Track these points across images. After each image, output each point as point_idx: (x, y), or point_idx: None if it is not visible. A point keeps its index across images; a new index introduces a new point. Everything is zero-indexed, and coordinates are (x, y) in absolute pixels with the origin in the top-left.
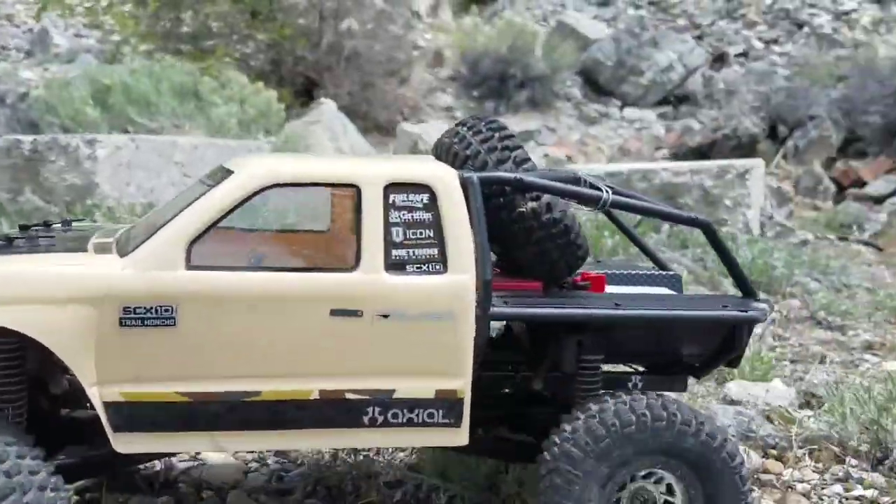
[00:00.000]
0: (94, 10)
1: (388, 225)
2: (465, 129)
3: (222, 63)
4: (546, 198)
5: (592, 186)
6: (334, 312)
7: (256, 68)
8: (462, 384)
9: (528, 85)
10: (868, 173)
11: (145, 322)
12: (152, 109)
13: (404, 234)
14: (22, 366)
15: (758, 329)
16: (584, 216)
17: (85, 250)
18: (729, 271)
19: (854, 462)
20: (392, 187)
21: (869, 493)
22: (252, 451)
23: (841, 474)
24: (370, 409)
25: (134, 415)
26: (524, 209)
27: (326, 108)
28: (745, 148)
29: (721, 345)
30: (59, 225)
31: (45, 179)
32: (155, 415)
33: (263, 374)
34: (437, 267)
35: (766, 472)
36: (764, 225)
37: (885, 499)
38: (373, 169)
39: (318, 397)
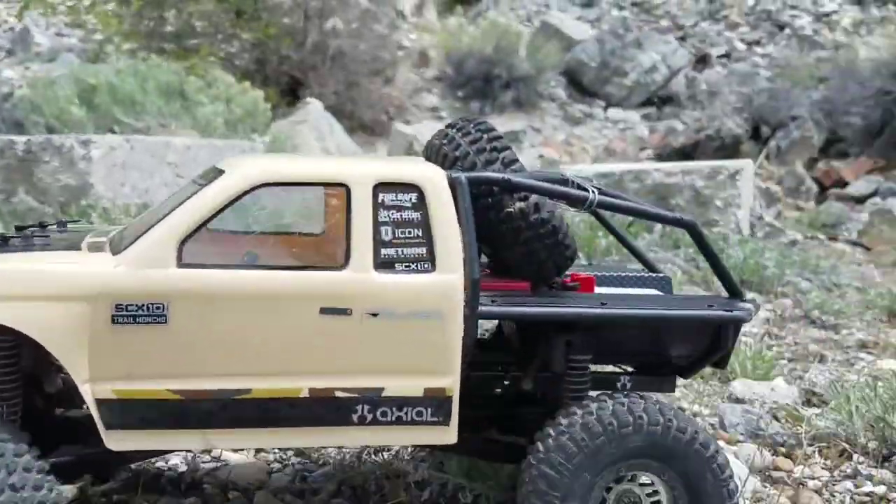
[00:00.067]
0: (76, 9)
1: (377, 224)
2: (454, 130)
3: (206, 62)
4: (534, 198)
5: (580, 187)
6: (324, 311)
7: (241, 68)
8: (450, 382)
9: (512, 85)
10: (849, 173)
11: (137, 319)
12: (138, 109)
13: (393, 233)
14: (17, 364)
15: (756, 329)
16: (577, 217)
17: (79, 249)
18: (714, 271)
19: (861, 459)
20: (381, 187)
21: (878, 489)
22: (274, 451)
23: (849, 471)
24: (359, 408)
25: (126, 412)
26: (512, 209)
27: (313, 107)
28: (729, 149)
29: (708, 345)
30: (55, 226)
31: (39, 180)
32: (147, 412)
33: (254, 372)
34: (426, 266)
35: (776, 469)
36: (754, 225)
37: (895, 494)
38: (362, 169)
39: (307, 395)
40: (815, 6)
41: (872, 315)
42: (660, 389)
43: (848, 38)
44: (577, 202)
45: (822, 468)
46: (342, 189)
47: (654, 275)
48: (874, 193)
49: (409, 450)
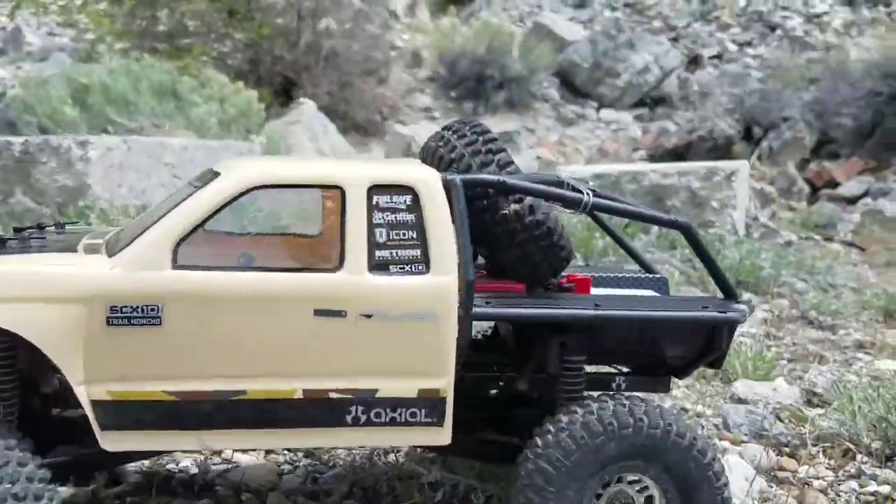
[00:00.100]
0: (68, 9)
1: (371, 226)
2: (450, 132)
3: (199, 62)
4: (529, 200)
5: (574, 189)
6: (318, 312)
7: (234, 67)
8: (445, 384)
9: (505, 86)
10: (841, 174)
11: (132, 321)
12: (131, 109)
13: (388, 235)
14: (13, 364)
15: (754, 329)
16: (574, 218)
17: (75, 251)
18: (709, 273)
19: (864, 459)
20: (376, 189)
21: (883, 489)
22: (284, 452)
23: (853, 471)
24: (353, 409)
25: (121, 413)
26: (507, 211)
27: (306, 107)
28: (721, 149)
29: (703, 346)
30: (53, 227)
31: (37, 181)
32: (142, 413)
33: (248, 374)
34: (420, 268)
35: (781, 469)
36: (749, 226)
37: None
38: (357, 171)
39: (302, 397)
40: (806, 7)
41: (868, 315)
42: (654, 390)
43: (839, 39)
44: (571, 204)
45: (826, 468)
46: (337, 191)
47: (650, 276)
48: (865, 194)
49: (419, 450)
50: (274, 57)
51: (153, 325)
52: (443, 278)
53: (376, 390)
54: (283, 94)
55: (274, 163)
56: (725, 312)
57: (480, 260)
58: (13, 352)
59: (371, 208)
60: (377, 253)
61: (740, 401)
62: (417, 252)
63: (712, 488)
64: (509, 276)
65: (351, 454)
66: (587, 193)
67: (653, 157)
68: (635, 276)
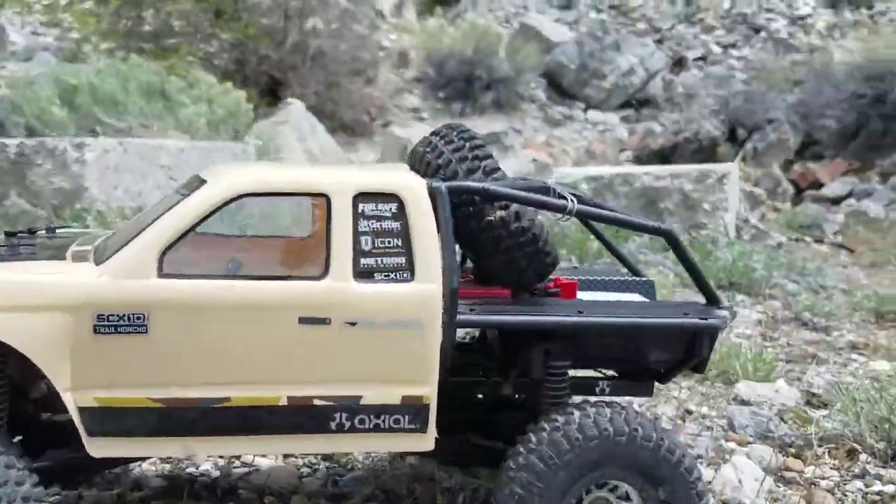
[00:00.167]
0: (53, 8)
1: (356, 234)
2: (437, 138)
3: (185, 62)
4: (514, 207)
5: (560, 196)
6: (303, 320)
7: (220, 67)
8: (428, 391)
9: (493, 87)
10: (825, 175)
11: (118, 329)
12: (120, 109)
13: (373, 242)
14: (2, 371)
15: (749, 331)
16: (569, 221)
17: (64, 258)
18: (692, 278)
19: (867, 459)
20: (361, 197)
21: (888, 488)
22: (303, 455)
23: (857, 471)
24: (337, 415)
25: (107, 420)
26: (493, 218)
27: (294, 108)
28: (706, 151)
29: (685, 351)
30: (44, 232)
31: (32, 183)
32: (128, 420)
33: (233, 381)
34: (405, 275)
35: (788, 469)
36: (740, 228)
37: None
38: (342, 179)
39: (286, 404)
40: (790, 10)
41: (860, 317)
42: (638, 394)
43: (822, 41)
44: (556, 210)
45: (831, 469)
46: (322, 199)
47: (637, 279)
48: (849, 195)
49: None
50: (260, 57)
51: (139, 333)
52: (427, 286)
53: (360, 397)
54: (270, 93)
55: (260, 170)
56: (706, 319)
57: (469, 264)
58: (2, 358)
59: (356, 216)
60: (362, 261)
61: (743, 402)
62: (402, 260)
63: (686, 485)
64: (495, 281)
65: (370, 457)
66: (572, 200)
67: (639, 158)
68: (623, 279)
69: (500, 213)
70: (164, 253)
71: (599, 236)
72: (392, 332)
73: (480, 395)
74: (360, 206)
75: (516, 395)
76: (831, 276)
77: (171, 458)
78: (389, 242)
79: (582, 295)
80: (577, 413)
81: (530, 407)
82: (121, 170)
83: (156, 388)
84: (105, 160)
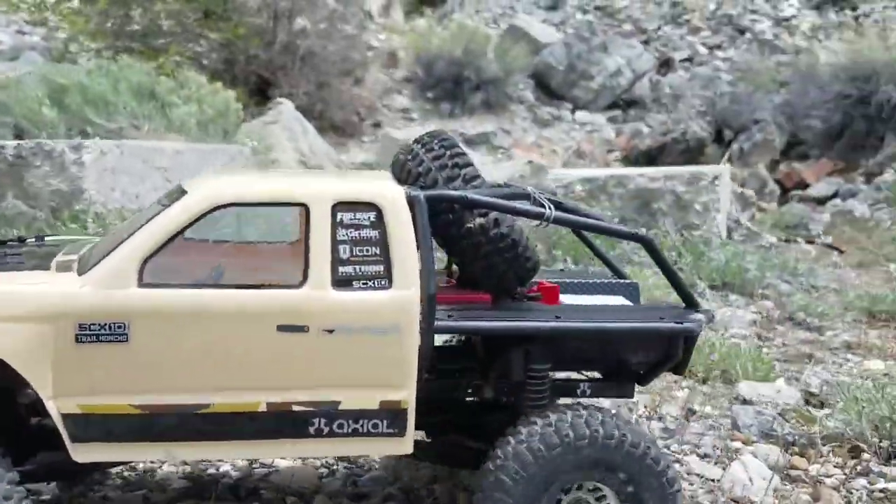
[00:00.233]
0: (40, 7)
1: (335, 242)
2: (418, 146)
3: (173, 62)
4: (494, 214)
5: (538, 202)
6: (281, 328)
7: (209, 67)
8: (406, 395)
9: (482, 87)
10: (811, 175)
11: (100, 338)
12: (111, 109)
13: (351, 251)
14: None
15: (745, 331)
16: None
17: (48, 268)
18: (670, 282)
19: (867, 457)
20: (340, 206)
21: (892, 485)
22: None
23: (861, 469)
24: (316, 421)
25: (90, 426)
26: (472, 225)
27: (285, 108)
28: (694, 151)
29: (663, 354)
30: (33, 240)
31: (30, 185)
32: (110, 426)
33: (213, 388)
34: (383, 283)
35: (793, 468)
36: (731, 229)
37: None
38: (321, 188)
39: (265, 409)
40: (775, 11)
41: (852, 316)
42: (619, 395)
43: (807, 42)
44: (533, 218)
45: (835, 467)
46: (302, 209)
47: (621, 282)
48: (835, 195)
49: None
50: (249, 57)
51: (120, 341)
52: (405, 293)
53: (339, 402)
54: (259, 93)
55: (239, 181)
56: (682, 323)
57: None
58: None
59: (335, 225)
60: (340, 269)
61: (745, 402)
62: (380, 268)
63: (666, 494)
64: (477, 286)
65: (388, 457)
66: (550, 207)
67: (627, 159)
68: (606, 282)
69: (479, 220)
70: (144, 263)
71: (585, 240)
72: (370, 338)
73: (468, 398)
74: (339, 216)
75: (503, 398)
76: (823, 276)
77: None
78: (368, 251)
79: (565, 298)
80: (540, 421)
81: (516, 409)
82: (118, 172)
83: (137, 394)
84: (103, 162)
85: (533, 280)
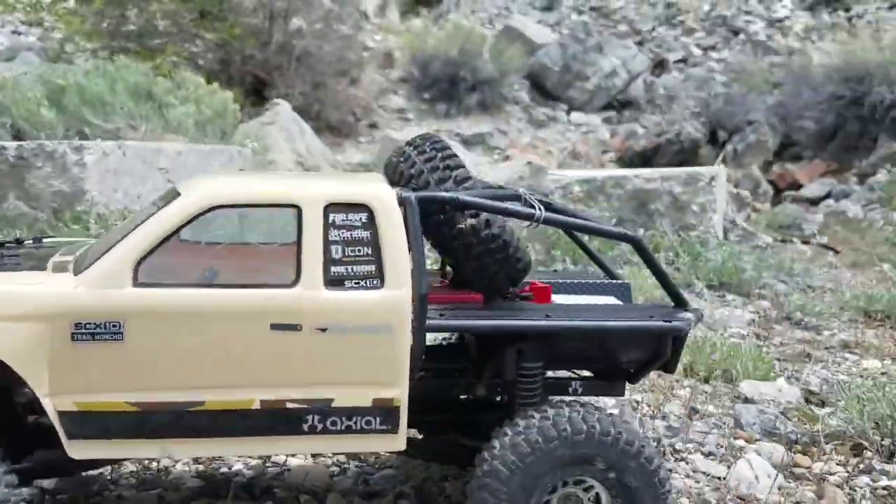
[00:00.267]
0: (36, 7)
1: (327, 243)
2: (411, 148)
3: (170, 62)
4: (485, 215)
5: (528, 204)
6: (274, 327)
7: (205, 67)
8: (398, 393)
9: (478, 88)
10: (804, 176)
11: (95, 337)
12: (108, 110)
13: (343, 251)
14: None
15: (743, 331)
16: None
17: (45, 269)
18: (659, 282)
19: (870, 455)
20: (332, 207)
21: (895, 483)
22: (333, 455)
23: (863, 467)
24: (310, 418)
25: (86, 423)
26: (463, 226)
27: (282, 108)
28: (688, 152)
29: (652, 352)
30: (31, 242)
31: (32, 186)
32: (106, 423)
33: (207, 385)
34: (375, 282)
35: (797, 465)
36: (727, 229)
37: None
38: (313, 190)
39: (259, 407)
40: (769, 12)
41: (848, 316)
42: (610, 394)
43: (801, 43)
44: (523, 219)
45: (837, 465)
46: (294, 210)
47: (613, 282)
48: (828, 196)
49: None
50: (244, 57)
51: (115, 340)
52: (397, 292)
53: (332, 400)
54: (255, 93)
55: (233, 182)
56: (670, 321)
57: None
58: None
59: (327, 226)
60: (333, 269)
61: (746, 400)
62: (372, 267)
63: (657, 493)
64: (470, 286)
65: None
66: (540, 208)
67: (622, 160)
68: (598, 282)
69: (470, 220)
70: (138, 263)
71: (577, 240)
72: (362, 336)
73: (463, 396)
74: (331, 216)
75: (496, 396)
76: (818, 276)
77: (204, 458)
78: (359, 251)
79: (556, 299)
80: (537, 415)
81: (507, 407)
82: (120, 173)
83: (133, 392)
84: (105, 163)
85: (525, 280)
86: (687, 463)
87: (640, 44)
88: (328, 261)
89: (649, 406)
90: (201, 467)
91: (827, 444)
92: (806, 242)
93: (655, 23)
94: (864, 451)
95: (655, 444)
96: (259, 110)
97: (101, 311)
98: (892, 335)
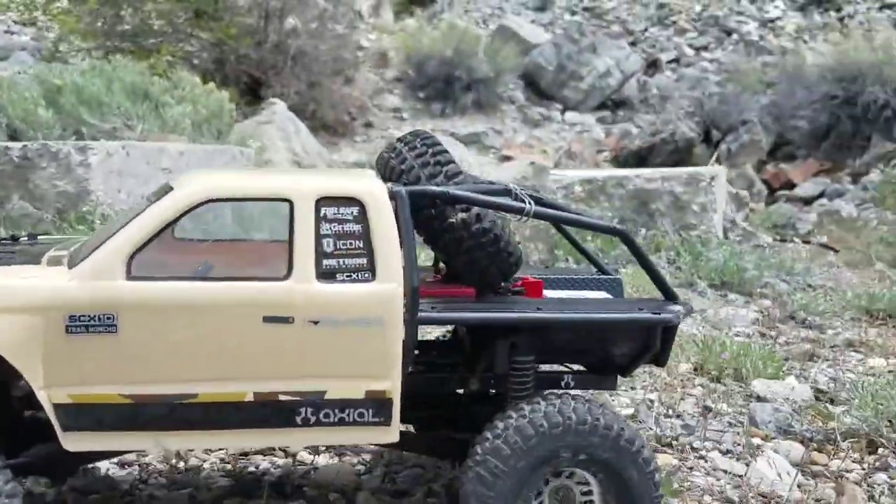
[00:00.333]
0: (30, 7)
1: (319, 236)
2: (402, 144)
3: (165, 62)
4: (475, 209)
5: (518, 198)
6: (267, 319)
7: (200, 67)
8: (391, 385)
9: (473, 87)
10: (797, 175)
11: (89, 329)
12: (105, 110)
13: (335, 244)
14: None
15: (747, 329)
16: None
17: (39, 263)
18: (648, 275)
19: (885, 452)
20: (323, 201)
21: None
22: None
23: (879, 464)
24: (303, 410)
25: (81, 415)
26: (454, 220)
27: (278, 108)
28: (683, 152)
29: (643, 345)
30: (26, 238)
31: (36, 186)
32: (100, 415)
33: (200, 378)
34: (366, 275)
35: (814, 463)
36: (727, 229)
37: None
38: (305, 184)
39: (252, 399)
40: (761, 12)
41: (850, 315)
42: (602, 387)
43: (793, 43)
44: (514, 212)
45: (853, 462)
46: (286, 204)
47: (605, 277)
48: (821, 195)
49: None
50: (239, 56)
51: (109, 332)
52: (388, 285)
53: (324, 392)
54: (250, 93)
55: (225, 177)
56: (659, 314)
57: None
58: None
59: (319, 220)
60: (324, 262)
61: (759, 399)
62: (364, 261)
63: (643, 475)
64: (462, 280)
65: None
66: (529, 203)
67: (617, 159)
68: (590, 277)
69: (461, 215)
70: (132, 256)
71: (567, 236)
72: (354, 329)
73: (459, 390)
74: (323, 210)
75: (490, 390)
76: (819, 275)
77: (232, 456)
78: (351, 244)
79: (549, 293)
80: (514, 413)
81: (500, 400)
82: (124, 173)
83: (126, 384)
84: (109, 163)
85: (517, 276)
86: (706, 461)
87: (632, 44)
88: (320, 254)
89: (663, 403)
90: (229, 466)
91: (843, 441)
92: (807, 242)
93: (648, 23)
94: (879, 449)
95: (674, 441)
96: (254, 109)
97: (95, 304)
98: (895, 334)
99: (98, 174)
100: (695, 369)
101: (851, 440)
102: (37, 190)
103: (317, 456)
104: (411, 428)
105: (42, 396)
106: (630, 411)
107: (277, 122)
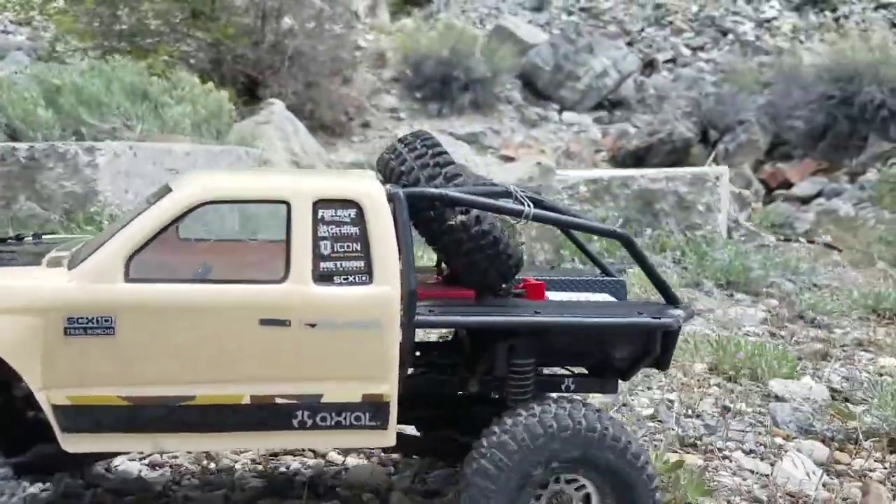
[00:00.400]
0: (26, 7)
1: (316, 239)
2: (402, 145)
3: (160, 62)
4: (475, 211)
5: (518, 200)
6: (263, 322)
7: (196, 67)
8: (388, 388)
9: (470, 87)
10: (795, 175)
11: (87, 331)
12: (104, 110)
13: (332, 247)
14: None
15: (757, 329)
16: None
17: (40, 264)
18: (650, 279)
19: None
20: (321, 203)
21: None
22: (382, 453)
23: None
24: (299, 413)
25: (80, 417)
26: (453, 222)
27: (277, 108)
28: (680, 152)
29: (643, 349)
30: (31, 238)
31: (43, 187)
32: (99, 417)
33: (197, 380)
34: (364, 278)
35: (837, 462)
36: (731, 229)
37: None
38: (302, 186)
39: (249, 402)
40: (757, 13)
41: (857, 314)
42: (603, 390)
43: (789, 43)
44: (512, 215)
45: (875, 461)
46: (283, 206)
47: (607, 279)
48: (819, 194)
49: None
50: (236, 56)
51: (107, 334)
52: (385, 288)
53: (321, 395)
54: (247, 93)
55: (223, 179)
56: (659, 318)
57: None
58: None
59: (316, 222)
60: (322, 265)
61: (778, 398)
62: (361, 263)
63: (647, 490)
64: (461, 282)
65: None
66: (529, 205)
67: (614, 159)
68: (592, 279)
69: (460, 217)
70: (130, 258)
71: (571, 237)
72: (351, 332)
73: (460, 392)
74: (320, 213)
75: (489, 392)
76: (824, 275)
77: (263, 457)
78: (348, 247)
79: (550, 295)
80: (524, 412)
81: (500, 403)
82: (132, 174)
83: (124, 386)
84: (116, 164)
85: (519, 277)
86: (731, 461)
87: (629, 44)
88: (317, 256)
89: (682, 403)
90: (260, 467)
91: (865, 440)
92: (811, 241)
93: (644, 23)
94: None
95: (698, 441)
96: (252, 109)
97: (93, 306)
98: None
99: (106, 175)
100: (710, 369)
101: (873, 439)
102: (44, 190)
103: (346, 457)
104: (412, 428)
105: (41, 398)
106: (650, 411)
107: (276, 122)
